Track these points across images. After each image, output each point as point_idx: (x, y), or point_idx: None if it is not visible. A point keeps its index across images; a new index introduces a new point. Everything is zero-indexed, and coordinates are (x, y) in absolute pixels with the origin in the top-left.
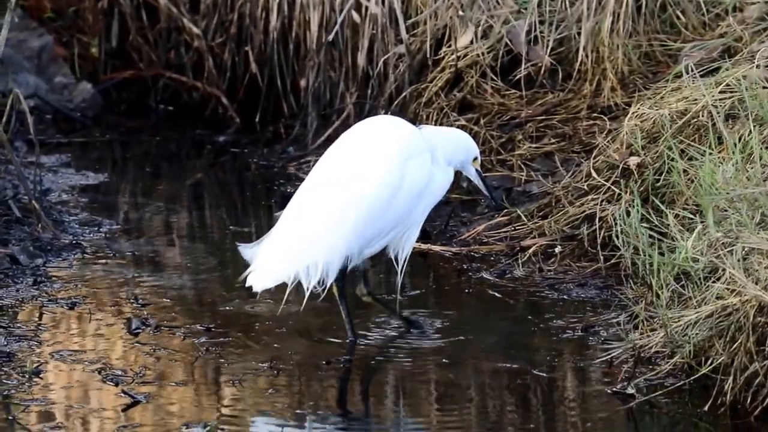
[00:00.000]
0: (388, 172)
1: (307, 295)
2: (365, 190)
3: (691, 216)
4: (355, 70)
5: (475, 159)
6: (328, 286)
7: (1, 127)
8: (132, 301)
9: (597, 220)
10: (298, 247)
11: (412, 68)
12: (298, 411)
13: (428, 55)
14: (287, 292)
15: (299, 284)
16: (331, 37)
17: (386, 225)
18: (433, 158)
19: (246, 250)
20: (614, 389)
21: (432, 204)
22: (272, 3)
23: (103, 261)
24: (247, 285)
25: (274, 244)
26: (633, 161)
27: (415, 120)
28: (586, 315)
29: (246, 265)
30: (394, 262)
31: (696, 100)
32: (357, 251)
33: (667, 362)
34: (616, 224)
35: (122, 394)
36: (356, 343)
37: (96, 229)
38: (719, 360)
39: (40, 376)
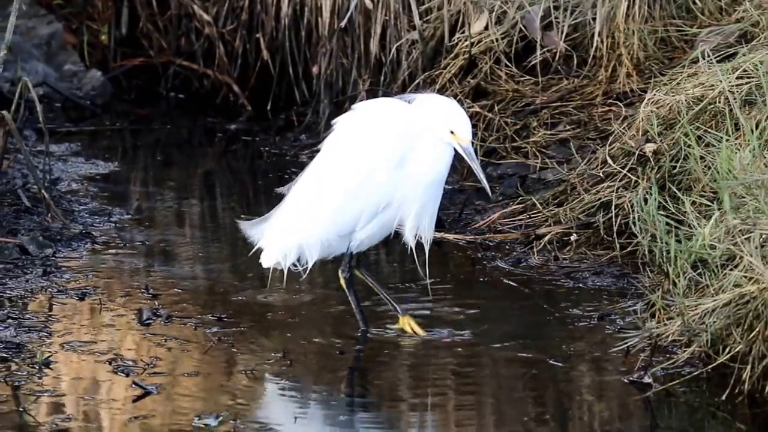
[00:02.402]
0: (353, 153)
1: (285, 276)
2: (332, 173)
3: (709, 203)
4: (367, 56)
5: (453, 133)
6: (309, 267)
7: (10, 115)
8: (143, 291)
9: (613, 207)
10: (282, 230)
11: (426, 55)
12: (311, 401)
13: (442, 42)
14: (284, 273)
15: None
16: (343, 24)
17: (367, 204)
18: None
19: (250, 228)
20: (631, 378)
21: (431, 179)
22: None
23: (114, 251)
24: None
25: (271, 225)
26: (649, 148)
27: None
28: (602, 303)
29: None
30: (411, 248)
31: (713, 85)
32: (339, 234)
33: (685, 351)
34: (632, 212)
35: (133, 385)
36: (368, 333)
37: (106, 218)
38: (737, 348)
39: (51, 367)
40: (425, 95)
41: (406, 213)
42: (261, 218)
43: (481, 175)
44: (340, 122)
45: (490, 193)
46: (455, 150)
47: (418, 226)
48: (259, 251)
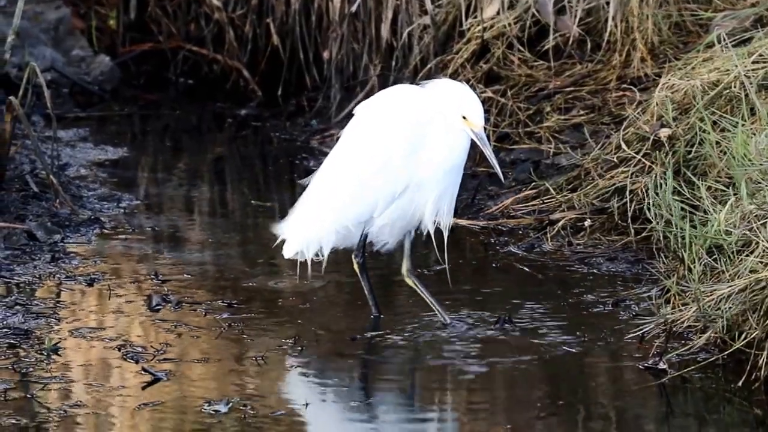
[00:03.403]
0: (368, 139)
1: (309, 267)
2: (349, 160)
3: (724, 188)
4: (378, 41)
5: (465, 118)
6: (325, 256)
7: (18, 101)
8: (152, 277)
9: (627, 192)
10: (301, 220)
11: (438, 39)
12: (322, 388)
13: (454, 26)
14: (298, 264)
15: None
16: (354, 8)
17: (383, 190)
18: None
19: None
20: (646, 364)
21: (449, 165)
22: None
23: (123, 237)
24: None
25: (293, 217)
26: (664, 133)
27: None
28: (616, 289)
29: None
30: (430, 233)
31: (728, 70)
32: (357, 221)
33: (700, 337)
34: (647, 197)
35: (143, 372)
36: (381, 319)
37: (115, 204)
38: (753, 334)
39: (59, 353)
40: (437, 80)
41: (425, 198)
42: (283, 211)
43: (494, 161)
44: (358, 111)
45: (502, 179)
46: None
47: (437, 211)
48: (281, 242)
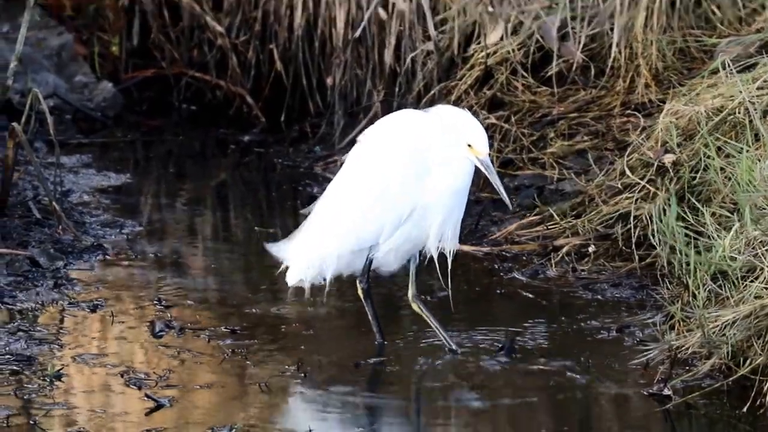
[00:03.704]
0: (373, 165)
1: (307, 291)
2: (353, 186)
3: (728, 214)
4: (382, 67)
5: (470, 146)
6: (329, 282)
7: (21, 127)
8: (155, 303)
9: (632, 218)
10: (306, 246)
11: (441, 65)
12: (325, 414)
13: (457, 52)
14: (307, 290)
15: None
16: (357, 34)
17: (388, 216)
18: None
19: (277, 248)
20: (651, 391)
21: (453, 190)
22: (297, 0)
23: (126, 263)
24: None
25: (294, 243)
26: (668, 159)
27: None
28: (621, 315)
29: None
30: (434, 259)
31: (732, 96)
32: (362, 246)
33: (705, 363)
34: (651, 223)
35: (146, 398)
36: (385, 345)
37: (118, 230)
38: (758, 361)
39: (62, 379)
40: (441, 107)
41: (430, 223)
42: (286, 239)
43: (500, 188)
44: (362, 137)
45: (509, 205)
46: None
47: (441, 236)
48: (285, 269)
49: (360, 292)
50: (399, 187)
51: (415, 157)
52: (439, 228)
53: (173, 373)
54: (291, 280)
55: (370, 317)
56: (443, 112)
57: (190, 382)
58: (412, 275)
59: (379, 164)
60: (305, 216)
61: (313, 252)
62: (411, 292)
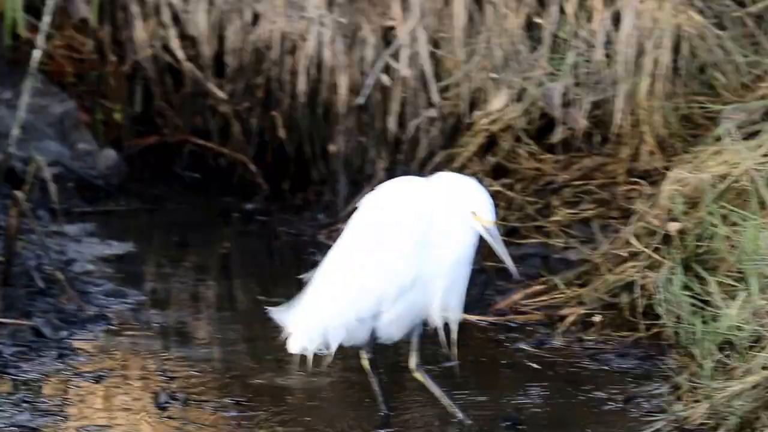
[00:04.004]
0: (375, 233)
1: (310, 361)
2: (354, 254)
3: (735, 283)
4: (385, 134)
5: (475, 214)
6: (332, 352)
7: (24, 195)
8: (160, 373)
9: (637, 288)
10: (307, 314)
11: (444, 132)
12: None
13: (461, 119)
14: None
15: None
16: (360, 101)
17: (390, 285)
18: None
19: (280, 314)
20: None
21: (455, 258)
22: (300, 66)
23: (130, 333)
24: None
25: (296, 311)
26: (674, 227)
27: None
28: (627, 386)
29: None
30: (438, 328)
31: (737, 163)
32: (364, 316)
33: None
34: (657, 292)
35: None
36: (390, 417)
37: (122, 300)
38: None
39: None
40: (444, 174)
41: (433, 292)
42: (289, 303)
43: (506, 256)
44: (363, 203)
45: (515, 274)
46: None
47: (445, 305)
48: (287, 337)
49: (364, 363)
50: (400, 255)
51: (417, 225)
52: (442, 297)
53: None
54: (294, 348)
55: (374, 389)
56: (447, 179)
57: None
58: (415, 344)
59: (379, 232)
60: (305, 281)
61: (315, 322)
62: (414, 361)
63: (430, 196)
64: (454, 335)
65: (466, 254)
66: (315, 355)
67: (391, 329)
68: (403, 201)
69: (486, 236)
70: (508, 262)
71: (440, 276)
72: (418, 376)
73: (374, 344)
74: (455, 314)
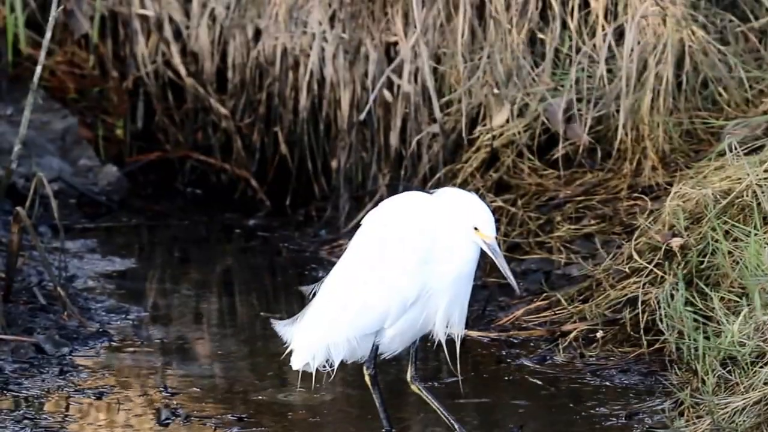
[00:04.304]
0: (378, 250)
1: (313, 377)
2: (358, 271)
3: (737, 299)
4: (387, 150)
5: (476, 229)
6: (335, 368)
7: (25, 211)
8: (161, 390)
9: (639, 303)
10: (310, 330)
11: (447, 148)
12: None
13: (463, 135)
14: (314, 376)
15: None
16: (362, 117)
17: (393, 301)
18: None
19: (283, 328)
20: None
21: (457, 273)
22: (302, 82)
23: (131, 349)
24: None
25: (299, 327)
26: (676, 242)
27: None
28: (629, 402)
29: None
30: (442, 343)
31: (740, 179)
32: (367, 332)
33: None
34: (659, 308)
35: None
36: None
37: (123, 316)
38: None
39: None
40: (447, 190)
41: (436, 307)
42: (292, 318)
43: (508, 272)
44: (366, 220)
45: (517, 290)
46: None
47: (449, 320)
48: (290, 353)
49: (367, 378)
50: (404, 272)
51: (420, 242)
52: (445, 313)
53: None
54: (296, 364)
55: (377, 405)
56: (449, 194)
57: None
58: (412, 357)
59: (383, 248)
60: (304, 293)
61: (318, 338)
62: (410, 373)
63: (434, 212)
64: (457, 350)
65: (468, 269)
66: (317, 371)
67: (393, 344)
68: (407, 217)
69: (488, 251)
70: (510, 277)
71: (443, 291)
72: (415, 387)
73: (376, 359)
74: (458, 329)
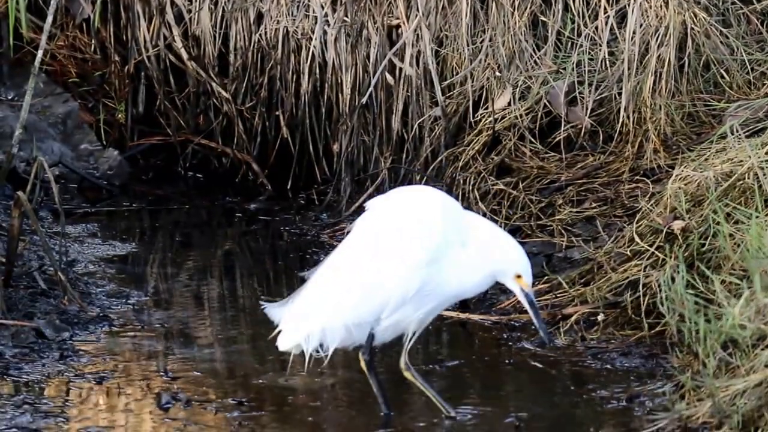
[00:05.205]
0: (386, 243)
1: (307, 361)
2: (363, 259)
3: (738, 281)
4: (389, 133)
5: (519, 277)
6: (330, 353)
7: (26, 196)
8: (162, 374)
9: (641, 286)
10: (305, 313)
11: (448, 131)
12: None
13: (465, 118)
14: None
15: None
16: (364, 100)
17: (393, 294)
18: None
19: (273, 310)
20: None
21: (456, 292)
22: (303, 66)
23: (132, 334)
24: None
25: (294, 307)
26: (677, 225)
27: (452, 186)
28: (630, 385)
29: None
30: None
31: (742, 161)
32: (364, 320)
33: None
34: (660, 291)
35: None
36: (391, 416)
37: (124, 300)
38: None
39: None
40: (477, 218)
41: (431, 306)
42: (284, 300)
43: (540, 322)
44: (373, 206)
45: (548, 342)
46: (496, 280)
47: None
48: (278, 334)
49: (363, 364)
50: (409, 266)
51: (430, 241)
52: (440, 309)
53: None
54: (282, 345)
55: (375, 389)
56: (483, 229)
57: None
58: (406, 344)
59: (391, 240)
60: (306, 279)
61: (313, 323)
62: (403, 360)
63: (452, 211)
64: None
65: (470, 294)
66: (312, 355)
67: (388, 333)
68: (424, 214)
69: (522, 300)
70: (543, 331)
71: (444, 293)
72: (408, 374)
73: (372, 346)
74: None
